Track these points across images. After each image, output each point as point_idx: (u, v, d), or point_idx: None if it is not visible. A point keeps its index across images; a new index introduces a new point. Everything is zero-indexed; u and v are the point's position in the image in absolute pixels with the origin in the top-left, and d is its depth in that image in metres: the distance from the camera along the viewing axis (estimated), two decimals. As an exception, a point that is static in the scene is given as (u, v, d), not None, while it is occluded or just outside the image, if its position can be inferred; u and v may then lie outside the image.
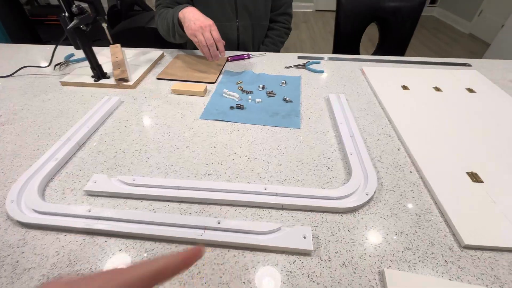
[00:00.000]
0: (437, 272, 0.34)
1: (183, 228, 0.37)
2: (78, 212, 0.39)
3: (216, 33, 0.68)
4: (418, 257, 0.35)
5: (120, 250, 0.36)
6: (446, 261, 0.35)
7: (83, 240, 0.37)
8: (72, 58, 0.85)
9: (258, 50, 1.00)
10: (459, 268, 0.34)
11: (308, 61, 0.83)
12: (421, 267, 0.34)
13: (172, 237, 0.36)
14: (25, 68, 0.79)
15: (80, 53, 0.87)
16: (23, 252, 0.35)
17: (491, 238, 0.36)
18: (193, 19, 0.68)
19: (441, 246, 0.36)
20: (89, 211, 0.39)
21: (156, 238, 0.37)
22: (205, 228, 0.37)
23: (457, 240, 0.37)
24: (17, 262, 0.34)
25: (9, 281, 0.33)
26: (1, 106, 0.64)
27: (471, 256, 0.35)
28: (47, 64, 0.77)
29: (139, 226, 0.37)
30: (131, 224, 0.38)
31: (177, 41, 0.82)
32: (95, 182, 0.43)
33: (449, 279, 0.33)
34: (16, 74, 0.77)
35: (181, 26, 0.74)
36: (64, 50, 0.88)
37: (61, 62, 0.81)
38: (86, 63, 0.80)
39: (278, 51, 1.04)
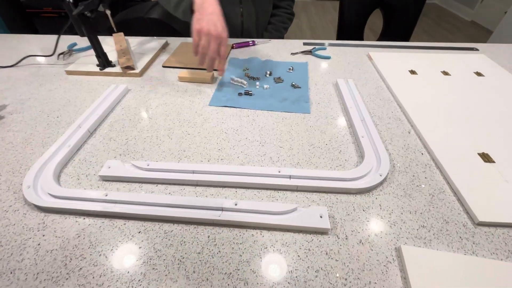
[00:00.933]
0: (452, 248, 0.34)
1: (201, 209, 0.38)
2: (95, 196, 0.39)
3: (224, 50, 0.59)
4: (433, 234, 0.36)
5: (139, 232, 0.36)
6: (460, 237, 0.36)
7: (102, 223, 0.37)
8: (75, 47, 0.84)
9: (261, 37, 0.99)
10: (473, 244, 0.35)
11: (314, 47, 0.83)
12: (437, 243, 0.35)
13: (190, 218, 0.37)
14: (29, 58, 0.78)
15: (82, 42, 0.86)
16: (43, 235, 0.36)
17: (504, 215, 0.37)
18: (209, 19, 0.56)
19: (455, 224, 0.37)
20: (106, 195, 0.39)
21: (174, 220, 0.37)
22: (222, 209, 0.37)
23: (471, 218, 0.38)
24: (38, 244, 0.35)
25: (33, 262, 0.33)
26: (7, 95, 0.63)
27: (485, 232, 0.36)
28: (50, 54, 0.76)
29: (157, 209, 0.38)
30: (149, 206, 0.38)
31: (179, 15, 0.72)
32: (109, 167, 0.43)
33: (464, 254, 0.34)
34: (20, 64, 0.76)
35: (191, 9, 0.63)
36: (66, 40, 0.87)
37: (64, 51, 0.80)
38: (90, 52, 0.79)
39: (282, 37, 1.02)
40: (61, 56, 0.79)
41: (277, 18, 0.99)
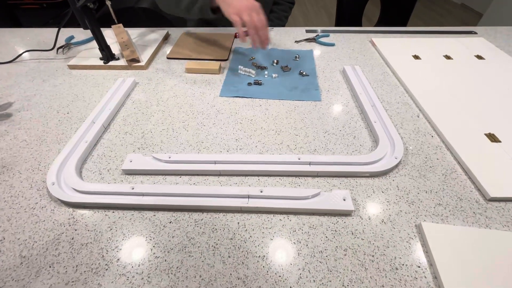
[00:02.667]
0: (467, 222, 0.37)
1: (228, 198, 0.39)
2: (122, 189, 0.40)
3: (264, 17, 0.57)
4: (449, 211, 0.38)
5: (170, 222, 0.37)
6: (474, 212, 0.38)
7: (132, 215, 0.38)
8: (73, 41, 0.81)
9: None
10: (486, 218, 0.37)
11: (318, 35, 0.83)
12: (453, 219, 0.37)
13: (219, 206, 0.38)
14: (26, 53, 0.75)
15: (80, 35, 0.84)
16: (76, 230, 0.36)
17: (513, 190, 0.40)
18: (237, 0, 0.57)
19: (469, 200, 0.39)
20: (133, 188, 0.40)
21: (203, 209, 0.39)
22: (249, 196, 0.39)
23: (482, 194, 0.40)
24: (72, 239, 0.36)
25: (70, 256, 0.34)
26: (11, 92, 0.62)
27: (496, 207, 0.39)
28: (50, 48, 0.74)
29: (186, 199, 0.39)
30: (177, 197, 0.39)
31: (181, 13, 0.71)
32: (131, 161, 0.44)
33: (479, 228, 0.36)
34: (18, 59, 0.73)
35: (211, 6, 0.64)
36: (62, 33, 0.84)
37: (63, 45, 0.78)
38: (90, 45, 0.78)
39: (283, 26, 1.02)
40: (60, 50, 0.77)
41: (279, 6, 0.98)
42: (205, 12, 0.66)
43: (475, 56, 0.71)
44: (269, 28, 0.88)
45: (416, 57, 0.71)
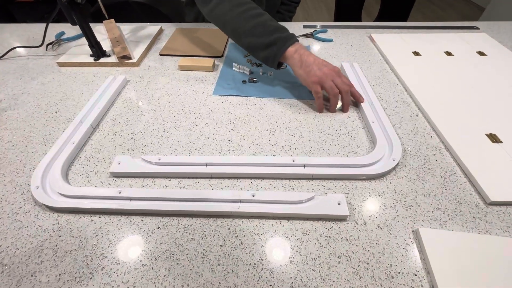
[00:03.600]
0: (466, 228, 0.36)
1: (219, 202, 0.37)
2: (108, 193, 0.38)
3: (346, 79, 0.53)
4: (448, 216, 0.37)
5: (158, 228, 0.36)
6: (474, 217, 0.37)
7: (119, 221, 0.37)
8: (64, 37, 0.79)
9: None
10: (486, 223, 0.36)
11: (315, 30, 0.80)
12: (451, 224, 0.36)
13: (209, 211, 0.37)
14: (14, 50, 0.73)
15: (70, 31, 0.82)
16: (60, 236, 0.35)
17: (514, 193, 0.38)
18: (317, 64, 0.52)
19: (468, 204, 0.38)
20: (120, 192, 0.38)
21: (193, 213, 0.37)
22: (240, 201, 0.37)
23: (482, 198, 0.39)
24: (56, 246, 0.34)
25: (53, 264, 0.33)
26: (-2, 91, 0.60)
27: (496, 211, 0.37)
28: (38, 44, 0.72)
29: (175, 203, 0.37)
30: (165, 202, 0.38)
31: (239, 42, 0.58)
32: (119, 163, 0.42)
33: (478, 233, 0.35)
34: (6, 56, 0.71)
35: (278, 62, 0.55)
36: (52, 28, 0.82)
37: (53, 41, 0.75)
38: (81, 41, 0.76)
39: (284, 23, 0.99)
40: (50, 46, 0.75)
41: (285, 7, 0.97)
42: (270, 61, 0.55)
43: (476, 52, 0.69)
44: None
45: (416, 53, 0.69)
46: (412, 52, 0.70)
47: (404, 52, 0.69)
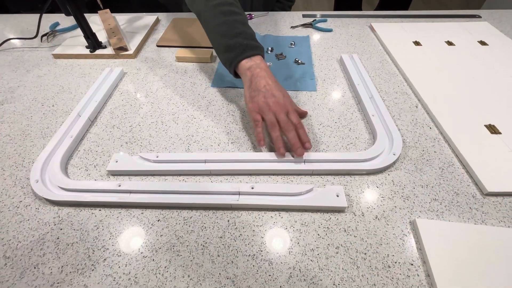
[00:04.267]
0: (463, 218, 0.36)
1: (218, 194, 0.38)
2: (108, 187, 0.38)
3: (295, 117, 0.43)
4: (445, 206, 0.37)
5: (158, 220, 0.36)
6: (470, 208, 0.37)
7: (119, 214, 0.37)
8: (59, 27, 0.78)
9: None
10: (483, 213, 0.36)
11: (315, 20, 0.79)
12: (448, 215, 0.36)
13: (208, 204, 0.37)
14: (9, 42, 0.72)
15: (65, 22, 0.80)
16: (61, 229, 0.35)
17: (511, 184, 0.38)
18: (266, 91, 0.43)
19: (465, 195, 0.38)
20: (120, 186, 0.38)
21: (192, 206, 0.37)
22: (239, 193, 0.38)
23: (479, 189, 0.39)
24: (57, 238, 0.35)
25: (55, 256, 0.33)
26: (-6, 84, 0.59)
27: (493, 202, 0.38)
28: (33, 36, 0.70)
29: (174, 196, 0.37)
30: (165, 194, 0.38)
31: (209, 38, 0.53)
32: (116, 161, 0.42)
33: (475, 223, 0.36)
34: (0, 48, 0.70)
35: (235, 71, 0.49)
36: (47, 19, 0.80)
37: (47, 33, 0.74)
38: (76, 32, 0.74)
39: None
40: (45, 38, 0.73)
41: None
42: (227, 66, 0.49)
43: (478, 42, 0.68)
44: (264, 13, 0.84)
45: (416, 43, 0.68)
46: (413, 42, 0.69)
47: (405, 42, 0.69)
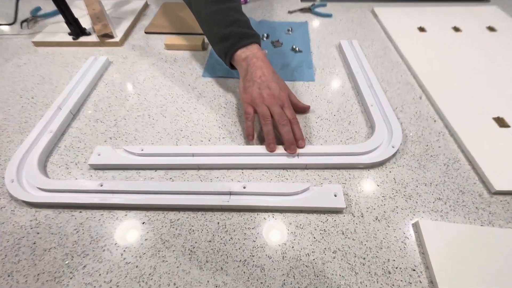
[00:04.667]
0: (468, 219, 0.34)
1: (207, 195, 0.35)
2: (89, 187, 0.36)
3: (291, 111, 0.41)
4: (450, 206, 0.35)
5: (143, 223, 0.34)
6: (477, 207, 0.35)
7: (101, 216, 0.35)
8: (40, 13, 0.73)
9: None
10: (490, 213, 0.34)
11: (313, 4, 0.74)
12: (453, 215, 0.34)
13: (197, 205, 0.34)
14: (-14, 28, 0.67)
15: (48, 6, 0.75)
16: (38, 233, 0.33)
17: (521, 182, 0.36)
18: (261, 82, 0.41)
19: (471, 194, 0.36)
20: (102, 185, 0.36)
21: (180, 207, 0.35)
22: (230, 193, 0.35)
23: (487, 187, 0.37)
24: (34, 243, 0.32)
25: (31, 263, 0.31)
26: (-31, 74, 0.55)
27: (500, 201, 0.35)
28: (11, 22, 0.66)
29: (161, 197, 0.35)
30: (151, 195, 0.35)
31: (201, 28, 0.49)
32: (99, 155, 0.39)
33: (481, 225, 0.33)
34: (-23, 35, 0.66)
35: (230, 62, 0.46)
36: (28, 3, 0.75)
37: (28, 18, 0.69)
38: (59, 18, 0.69)
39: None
40: (25, 24, 0.69)
41: None
42: (223, 57, 0.47)
43: (486, 28, 0.64)
44: (260, -4, 0.79)
45: (421, 29, 0.64)
46: (417, 28, 0.65)
47: (409, 28, 0.65)
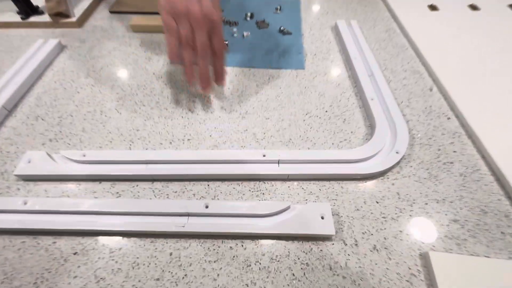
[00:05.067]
0: (493, 249, 0.26)
1: (159, 217, 0.27)
2: (10, 205, 0.28)
3: (220, 41, 0.34)
4: (468, 231, 0.27)
5: (75, 254, 0.26)
6: (503, 233, 0.27)
7: (22, 244, 0.27)
8: (-10, -11, 0.62)
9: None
10: (520, 241, 0.27)
11: (307, -21, 0.64)
12: (473, 243, 0.27)
13: (144, 231, 0.27)
14: None
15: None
16: None
17: (559, 199, 0.28)
18: None
19: (495, 214, 0.29)
20: (25, 203, 0.28)
21: (123, 233, 0.27)
22: (188, 215, 0.27)
23: (515, 205, 0.29)
24: None
25: None
26: None
27: (533, 224, 0.28)
28: (-48, -2, 0.56)
29: (99, 220, 0.27)
30: (87, 217, 0.27)
31: None
32: (29, 162, 0.31)
33: (510, 257, 0.26)
34: None
35: None
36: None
37: (-27, -5, 0.59)
38: (8, -6, 0.59)
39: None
40: (-29, 2, 0.59)
41: None
42: None
43: (508, 5, 0.55)
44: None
45: (432, 7, 0.55)
46: (428, 6, 0.55)
47: (418, 6, 0.55)
